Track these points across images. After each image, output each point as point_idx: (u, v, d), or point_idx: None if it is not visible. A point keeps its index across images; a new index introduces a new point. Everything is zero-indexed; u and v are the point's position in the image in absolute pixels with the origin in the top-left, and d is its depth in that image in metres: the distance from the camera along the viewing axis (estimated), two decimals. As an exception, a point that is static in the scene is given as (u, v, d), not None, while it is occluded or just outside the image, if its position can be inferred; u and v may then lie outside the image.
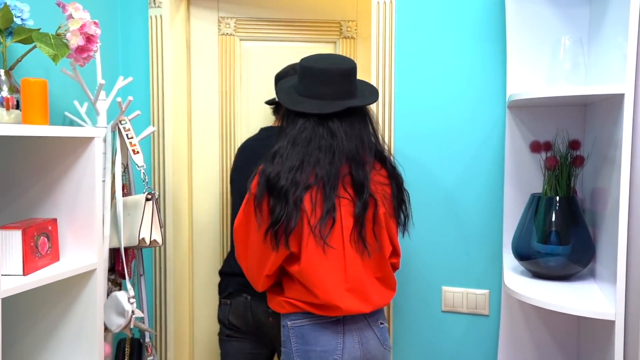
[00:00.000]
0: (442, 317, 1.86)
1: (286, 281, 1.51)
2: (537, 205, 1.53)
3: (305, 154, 1.44)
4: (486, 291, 1.82)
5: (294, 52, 2.29)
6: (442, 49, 1.82)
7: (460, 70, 1.80)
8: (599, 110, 1.49)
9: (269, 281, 1.53)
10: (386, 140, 1.84)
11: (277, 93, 1.58)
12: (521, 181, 1.70)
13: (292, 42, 2.31)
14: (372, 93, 1.56)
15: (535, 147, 1.59)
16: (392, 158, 1.59)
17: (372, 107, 1.84)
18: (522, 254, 1.54)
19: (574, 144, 1.55)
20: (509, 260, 1.67)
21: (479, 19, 1.78)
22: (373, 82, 1.85)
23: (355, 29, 2.33)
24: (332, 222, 1.42)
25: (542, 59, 1.64)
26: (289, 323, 1.49)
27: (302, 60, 1.53)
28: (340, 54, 2.30)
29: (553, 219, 1.49)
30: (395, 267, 1.59)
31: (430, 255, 1.86)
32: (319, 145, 1.45)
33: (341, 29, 2.33)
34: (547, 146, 1.57)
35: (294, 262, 1.45)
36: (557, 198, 1.50)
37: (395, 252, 1.56)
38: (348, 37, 2.34)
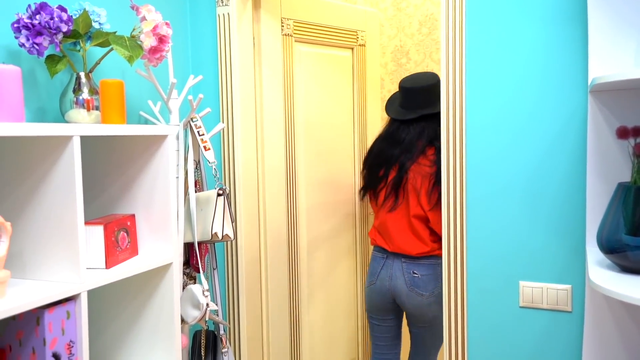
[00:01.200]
0: (520, 313, 1.78)
1: None
2: (625, 195, 1.42)
3: (381, 145, 2.28)
4: (568, 286, 1.72)
5: (324, 55, 2.55)
6: (515, 30, 1.73)
7: (536, 53, 1.71)
8: (695, 91, 1.37)
9: None
10: (457, 129, 1.78)
11: (386, 102, 2.36)
12: (606, 170, 1.60)
13: (324, 46, 2.55)
14: None
15: (623, 133, 1.48)
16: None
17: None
18: (608, 247, 1.44)
19: (667, 129, 1.44)
20: (594, 253, 1.57)
21: (556, -1, 1.68)
22: (442, 68, 1.79)
23: (365, 38, 2.70)
24: (381, 187, 2.23)
25: (628, 40, 1.52)
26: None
27: (401, 80, 2.26)
28: (359, 59, 2.69)
29: (644, 209, 1.39)
30: (433, 229, 2.16)
31: (506, 248, 1.78)
32: (392, 138, 2.23)
33: (357, 38, 2.67)
34: (636, 132, 1.46)
35: None
36: (648, 187, 1.39)
37: (426, 218, 2.15)
38: (361, 44, 2.69)
